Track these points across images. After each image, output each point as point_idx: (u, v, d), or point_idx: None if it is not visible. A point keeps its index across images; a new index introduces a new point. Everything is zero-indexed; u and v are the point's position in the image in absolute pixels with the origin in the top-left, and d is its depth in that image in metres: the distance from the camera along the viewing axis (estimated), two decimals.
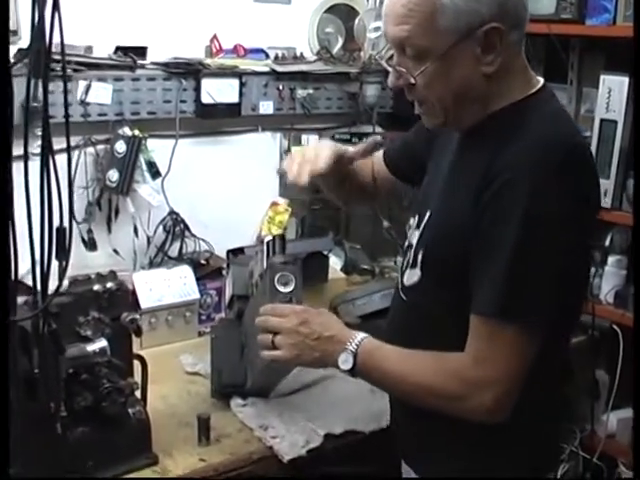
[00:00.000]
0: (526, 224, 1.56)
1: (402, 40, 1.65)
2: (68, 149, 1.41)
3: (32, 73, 1.41)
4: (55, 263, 1.50)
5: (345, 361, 1.79)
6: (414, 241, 1.86)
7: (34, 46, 1.39)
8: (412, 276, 1.84)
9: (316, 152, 1.99)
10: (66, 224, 1.50)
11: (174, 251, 3.02)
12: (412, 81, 1.68)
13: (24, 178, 1.41)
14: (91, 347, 1.92)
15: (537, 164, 1.57)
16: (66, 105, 1.43)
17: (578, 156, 1.64)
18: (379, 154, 2.23)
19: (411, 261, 1.85)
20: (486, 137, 1.71)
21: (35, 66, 1.39)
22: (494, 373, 1.63)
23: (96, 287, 2.00)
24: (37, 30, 1.38)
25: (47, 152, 1.44)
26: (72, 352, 1.88)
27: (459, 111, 1.71)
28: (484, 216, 1.61)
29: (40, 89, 1.41)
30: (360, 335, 1.82)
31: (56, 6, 1.38)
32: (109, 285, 2.02)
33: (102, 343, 1.93)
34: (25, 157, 1.41)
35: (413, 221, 1.92)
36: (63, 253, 1.49)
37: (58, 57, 1.47)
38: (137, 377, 2.07)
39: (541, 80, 1.76)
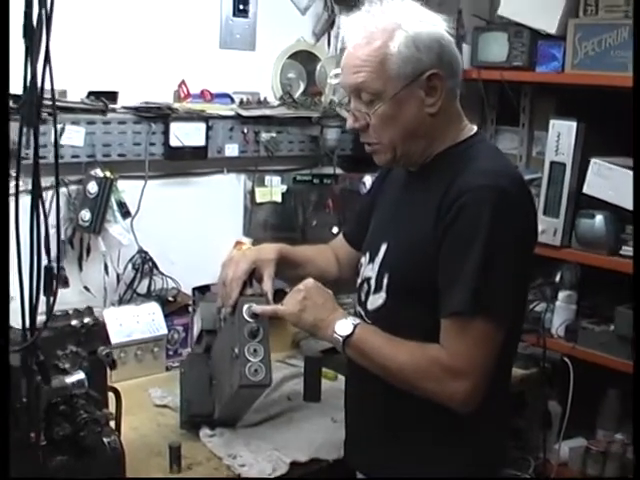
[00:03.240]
0: (489, 238, 1.81)
1: (358, 86, 1.92)
2: (57, 187, 1.51)
3: (24, 120, 1.51)
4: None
5: (344, 327, 1.99)
6: (371, 273, 2.09)
7: (26, 97, 1.50)
8: (376, 300, 2.06)
9: (234, 266, 2.27)
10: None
11: (143, 288, 3.07)
12: (367, 121, 1.94)
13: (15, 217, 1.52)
14: (69, 379, 1.94)
15: (490, 187, 1.84)
16: (56, 149, 1.54)
17: (522, 183, 1.95)
18: (338, 238, 2.48)
19: (373, 288, 2.07)
20: (436, 173, 1.97)
21: (28, 115, 1.49)
22: (467, 365, 1.85)
23: (74, 322, 2.05)
24: (31, 82, 1.49)
25: (36, 193, 1.54)
26: (53, 384, 1.90)
27: (407, 148, 1.98)
28: (447, 236, 1.87)
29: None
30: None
31: (47, 59, 1.50)
32: (86, 320, 2.07)
33: (80, 375, 1.96)
34: (16, 196, 1.52)
35: (364, 259, 2.15)
36: (50, 290, 1.58)
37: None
38: (111, 408, 2.11)
39: (475, 126, 2.06)
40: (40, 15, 1.48)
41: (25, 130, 1.53)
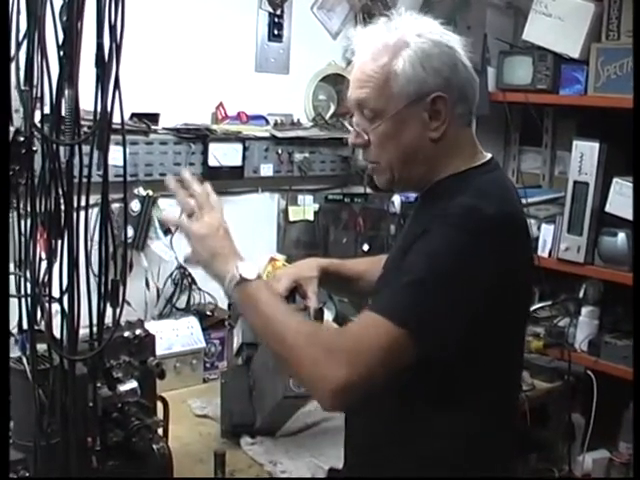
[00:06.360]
0: (434, 263, 1.72)
1: (360, 101, 1.87)
2: (126, 207, 1.63)
3: (95, 145, 1.64)
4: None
5: (249, 270, 1.86)
6: None
7: (99, 124, 1.61)
8: None
9: (275, 283, 2.24)
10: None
11: (182, 303, 3.15)
12: (368, 138, 1.88)
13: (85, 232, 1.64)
14: (122, 388, 2.05)
15: (451, 226, 1.74)
16: (124, 169, 1.66)
17: (502, 221, 1.78)
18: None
19: None
20: (429, 203, 1.92)
21: (100, 139, 1.61)
22: (355, 352, 1.68)
23: (126, 333, 2.16)
24: (102, 110, 1.61)
25: (105, 211, 1.66)
26: (106, 392, 2.01)
27: (406, 171, 1.89)
28: (404, 256, 1.79)
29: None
30: None
31: (117, 85, 1.62)
32: (138, 332, 2.18)
33: (133, 384, 2.07)
34: (86, 211, 1.64)
35: None
36: (116, 300, 1.69)
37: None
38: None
39: (488, 155, 1.95)
40: (110, 47, 1.60)
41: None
